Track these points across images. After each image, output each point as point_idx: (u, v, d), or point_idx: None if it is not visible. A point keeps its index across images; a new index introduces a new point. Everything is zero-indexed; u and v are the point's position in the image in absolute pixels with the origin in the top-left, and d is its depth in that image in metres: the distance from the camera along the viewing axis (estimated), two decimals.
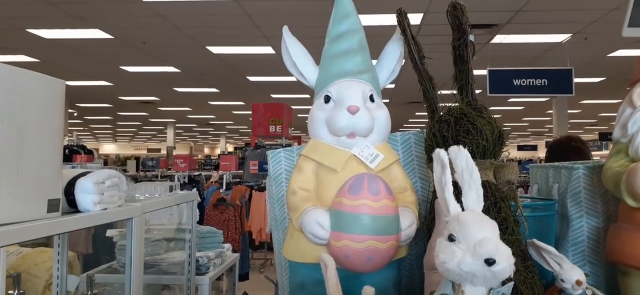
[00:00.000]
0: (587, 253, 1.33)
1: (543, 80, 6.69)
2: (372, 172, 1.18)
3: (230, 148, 24.12)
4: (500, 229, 1.12)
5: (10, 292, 1.26)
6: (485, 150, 1.19)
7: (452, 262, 0.72)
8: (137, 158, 10.46)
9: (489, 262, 0.70)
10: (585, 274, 1.26)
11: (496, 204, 1.16)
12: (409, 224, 1.16)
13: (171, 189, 1.55)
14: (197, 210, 2.20)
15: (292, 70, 1.33)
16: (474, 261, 0.71)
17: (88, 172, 1.03)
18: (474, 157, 1.18)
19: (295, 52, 1.30)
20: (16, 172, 0.80)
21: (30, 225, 0.83)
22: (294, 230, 1.22)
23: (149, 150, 28.06)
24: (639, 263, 1.11)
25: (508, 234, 1.14)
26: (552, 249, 1.14)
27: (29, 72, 0.84)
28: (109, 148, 29.34)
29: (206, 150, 30.37)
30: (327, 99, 1.24)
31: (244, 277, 5.29)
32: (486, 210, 1.15)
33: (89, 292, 1.39)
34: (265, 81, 9.07)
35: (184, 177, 6.31)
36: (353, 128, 1.20)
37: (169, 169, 8.42)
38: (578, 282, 1.10)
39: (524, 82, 6.69)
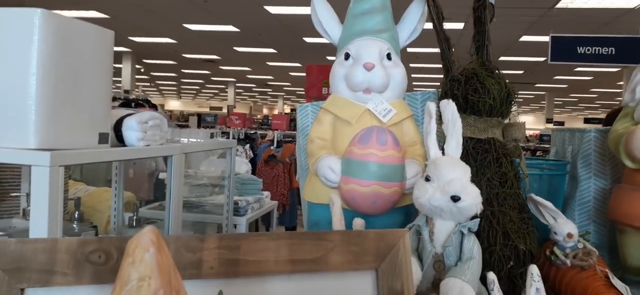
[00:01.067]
0: (592, 213, 1.38)
1: (611, 48, 6.35)
2: (383, 126, 1.28)
3: (287, 109, 24.54)
4: (499, 182, 1.22)
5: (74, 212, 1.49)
6: (492, 108, 1.26)
7: (424, 197, 0.83)
8: (199, 115, 11.02)
9: (455, 198, 0.80)
10: (587, 232, 1.33)
11: (498, 159, 1.24)
12: (414, 173, 1.26)
13: (212, 135, 1.73)
14: (243, 160, 2.38)
15: (318, 28, 1.44)
16: (442, 197, 0.81)
17: (134, 113, 1.21)
18: (480, 114, 1.28)
19: (321, 10, 1.41)
20: (72, 107, 0.98)
21: (84, 151, 1.01)
22: (311, 175, 1.36)
23: (211, 108, 29.04)
24: (634, 221, 1.17)
25: (507, 187, 1.22)
26: (548, 203, 1.21)
27: (83, 23, 1.01)
28: (173, 104, 30.63)
29: (265, 111, 31.07)
30: (347, 56, 1.35)
31: (291, 229, 5.56)
32: (488, 165, 1.24)
33: (134, 215, 1.60)
34: (320, 43, 9.16)
35: (239, 134, 6.61)
36: (368, 84, 1.30)
37: (228, 127, 8.81)
38: (569, 235, 1.17)
39: (589, 50, 6.38)
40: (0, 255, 0.50)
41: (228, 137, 5.82)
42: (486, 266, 0.97)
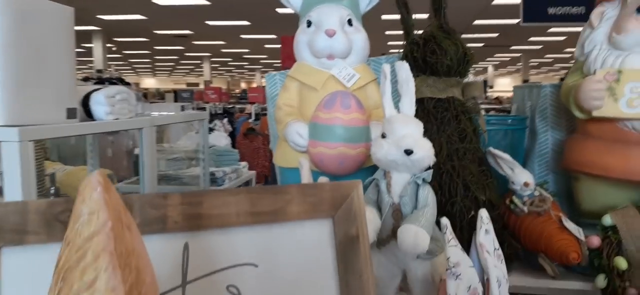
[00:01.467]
0: (550, 164, 1.46)
1: (581, 7, 6.44)
2: (347, 90, 1.33)
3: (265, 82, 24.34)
4: (459, 138, 1.28)
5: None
6: (450, 69, 1.31)
7: (380, 152, 0.89)
8: (175, 91, 10.92)
9: (408, 152, 0.85)
10: (545, 181, 1.41)
11: (457, 116, 1.30)
12: (378, 134, 1.31)
13: (182, 108, 1.75)
14: (222, 134, 2.38)
15: None
16: (397, 152, 0.86)
17: (101, 88, 1.23)
18: (439, 75, 1.33)
19: None
20: (37, 83, 0.99)
21: (52, 126, 1.03)
22: (281, 140, 1.40)
23: (187, 84, 28.65)
24: (584, 168, 1.24)
25: (466, 143, 1.28)
26: (506, 155, 1.28)
27: (42, 0, 1.02)
28: (149, 82, 30.14)
29: (243, 85, 30.80)
30: (309, 24, 1.38)
31: None
32: (447, 122, 1.30)
33: None
34: (294, 13, 9.09)
35: (217, 108, 6.59)
36: (331, 50, 1.34)
37: (205, 102, 8.75)
38: (526, 184, 1.25)
39: (560, 9, 6.46)
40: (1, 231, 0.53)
41: (212, 115, 5.81)
42: (449, 216, 1.02)
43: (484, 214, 0.84)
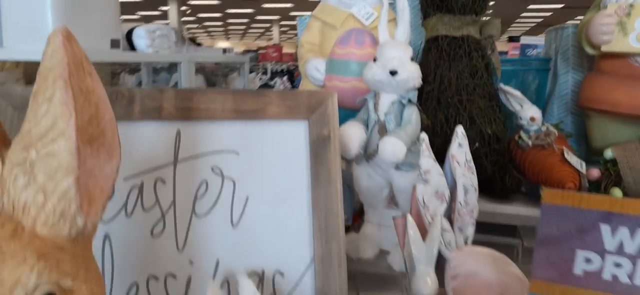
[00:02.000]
0: (569, 105, 1.46)
1: None
2: (364, 28, 1.40)
3: None
4: (469, 74, 1.33)
5: None
6: (465, 6, 1.34)
7: (369, 74, 0.97)
8: (245, 52, 11.43)
9: (393, 72, 0.93)
10: (561, 121, 1.42)
11: (469, 53, 1.34)
12: None
13: (224, 51, 1.90)
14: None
15: None
16: (383, 72, 0.94)
17: (142, 24, 1.39)
18: (454, 12, 1.37)
19: None
20: (84, 12, 1.16)
21: (99, 52, 1.20)
22: (304, 77, 1.51)
23: (258, 48, 29.22)
24: (594, 104, 1.25)
25: (477, 79, 1.32)
26: (515, 92, 1.31)
27: None
28: (222, 45, 31.07)
29: None
30: None
31: None
32: (459, 59, 1.35)
33: None
34: None
35: (278, 67, 6.79)
36: None
37: (268, 61, 9.00)
38: (532, 119, 1.28)
39: None
40: (10, 96, 0.69)
41: (265, 72, 6.01)
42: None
43: (459, 130, 0.91)
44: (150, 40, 1.35)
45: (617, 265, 0.64)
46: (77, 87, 0.44)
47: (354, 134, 0.96)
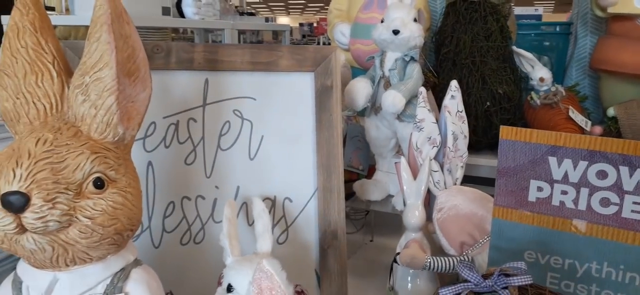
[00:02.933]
0: (587, 68, 1.51)
1: None
2: None
3: None
4: (484, 36, 1.41)
5: None
6: None
7: (375, 33, 1.10)
8: (301, 24, 11.71)
9: (395, 32, 1.06)
10: (576, 83, 1.48)
11: (485, 17, 1.42)
12: None
13: (266, 20, 2.06)
14: None
15: None
16: (387, 32, 1.07)
17: None
18: None
19: None
20: None
21: (151, 18, 1.40)
22: (332, 41, 1.65)
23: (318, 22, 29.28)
24: (603, 65, 1.31)
25: (490, 41, 1.40)
26: (527, 53, 1.38)
27: None
28: (282, 20, 31.41)
29: None
30: None
31: None
32: (474, 22, 1.43)
33: None
34: None
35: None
36: None
37: (320, 34, 9.13)
38: (541, 79, 1.35)
39: None
40: (76, 49, 0.89)
41: (318, 43, 6.15)
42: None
43: (454, 83, 1.03)
44: (197, 8, 1.53)
45: (563, 192, 0.75)
46: (118, 31, 0.61)
47: (361, 88, 1.10)
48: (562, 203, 0.75)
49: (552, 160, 0.75)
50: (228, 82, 0.94)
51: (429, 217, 1.00)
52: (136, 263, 0.67)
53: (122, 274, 0.64)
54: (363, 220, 1.49)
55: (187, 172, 0.93)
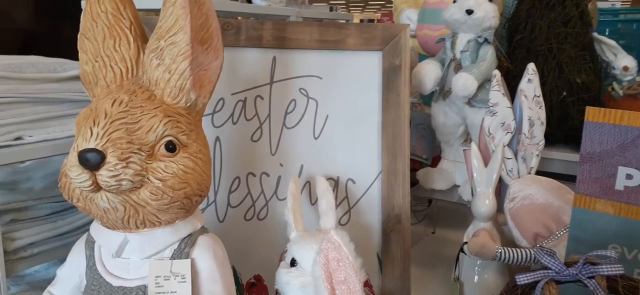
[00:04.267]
0: None
1: None
2: None
3: None
4: (562, 22, 1.33)
5: None
6: None
7: (447, 14, 1.05)
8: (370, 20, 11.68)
9: (469, 11, 1.01)
10: None
11: (564, 1, 1.33)
12: None
13: (331, 9, 2.05)
14: None
15: None
16: (459, 12, 1.02)
17: None
18: None
19: None
20: None
21: (219, 2, 1.42)
22: None
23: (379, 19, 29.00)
24: None
25: (569, 28, 1.32)
26: (609, 41, 1.29)
27: None
28: (358, 17, 31.46)
29: None
30: None
31: None
32: (551, 7, 1.35)
33: None
34: None
35: None
36: None
37: None
38: (625, 68, 1.25)
39: None
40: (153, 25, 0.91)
41: None
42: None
43: (531, 66, 0.97)
44: None
45: None
46: (193, 1, 0.62)
47: (430, 70, 1.06)
48: None
49: None
50: (295, 60, 0.93)
51: (499, 208, 0.95)
52: (203, 230, 0.67)
53: (189, 240, 0.64)
54: (425, 211, 1.45)
55: (253, 148, 0.93)
